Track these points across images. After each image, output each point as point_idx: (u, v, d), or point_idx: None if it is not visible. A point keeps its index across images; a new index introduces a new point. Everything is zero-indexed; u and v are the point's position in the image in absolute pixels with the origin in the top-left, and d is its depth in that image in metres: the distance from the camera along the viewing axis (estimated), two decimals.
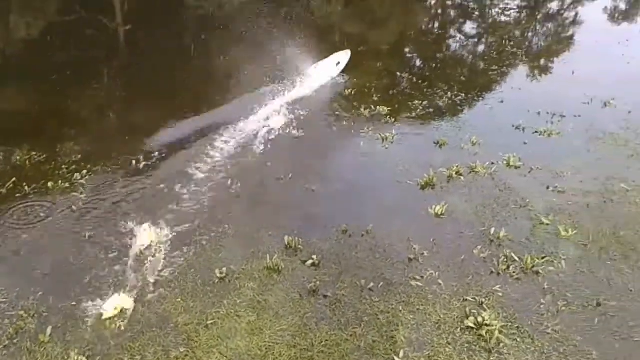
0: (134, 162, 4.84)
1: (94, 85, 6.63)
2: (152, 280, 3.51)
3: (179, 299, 3.38)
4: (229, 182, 4.60)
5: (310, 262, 3.66)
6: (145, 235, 3.84)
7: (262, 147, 5.17)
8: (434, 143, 5.27)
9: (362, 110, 5.92)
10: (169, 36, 8.60)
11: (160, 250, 3.77)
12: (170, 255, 3.75)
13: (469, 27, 9.59)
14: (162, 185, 4.55)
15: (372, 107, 6.01)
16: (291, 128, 5.49)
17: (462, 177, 4.68)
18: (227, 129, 5.43)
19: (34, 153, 4.95)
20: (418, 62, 7.66)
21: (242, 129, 5.45)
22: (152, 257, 3.69)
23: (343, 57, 6.99)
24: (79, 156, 4.94)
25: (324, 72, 6.77)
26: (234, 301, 3.37)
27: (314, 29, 8.93)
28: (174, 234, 3.94)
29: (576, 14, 10.83)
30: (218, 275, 3.55)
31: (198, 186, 4.54)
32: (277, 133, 5.42)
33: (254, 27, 8.32)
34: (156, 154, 4.98)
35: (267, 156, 5.05)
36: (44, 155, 4.94)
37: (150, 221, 4.02)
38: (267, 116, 5.69)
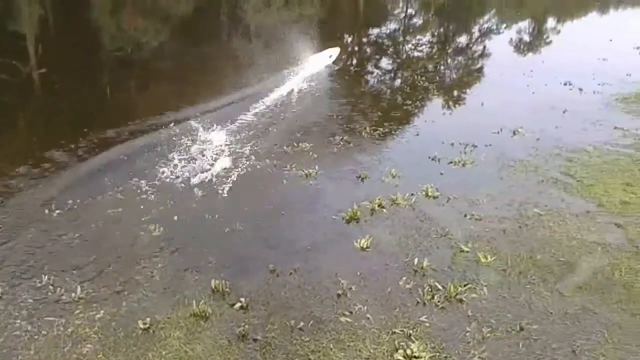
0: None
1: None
2: None
3: (100, 355, 3.20)
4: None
5: (238, 305, 3.59)
6: None
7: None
8: (356, 177, 5.37)
9: (285, 147, 5.97)
10: (86, 77, 8.39)
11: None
12: (88, 309, 3.56)
13: (385, 62, 9.97)
14: None
15: (295, 144, 6.07)
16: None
17: (384, 210, 4.77)
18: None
19: None
20: (336, 99, 7.80)
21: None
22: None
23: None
24: None
25: None
26: (159, 353, 3.23)
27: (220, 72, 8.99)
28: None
29: (484, 47, 11.53)
30: (141, 326, 3.40)
31: None
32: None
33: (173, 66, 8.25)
34: None
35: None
36: None
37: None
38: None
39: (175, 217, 4.57)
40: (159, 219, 4.52)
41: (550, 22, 16.50)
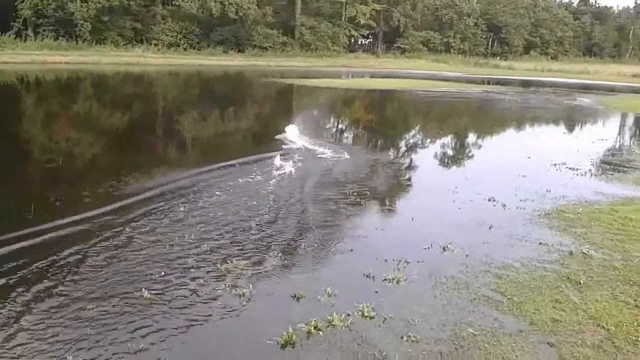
0: None
1: None
2: None
3: None
4: None
5: None
6: None
7: None
8: (291, 297, 5.25)
9: (219, 265, 5.82)
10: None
11: None
12: None
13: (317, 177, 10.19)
14: None
15: (228, 261, 5.94)
16: None
17: (320, 332, 4.64)
18: None
19: None
20: (267, 214, 7.80)
21: None
22: None
23: None
24: None
25: None
26: None
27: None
28: None
29: (410, 161, 12.07)
30: None
31: None
32: None
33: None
34: None
35: None
36: None
37: None
38: None
39: None
40: None
41: (471, 138, 17.62)
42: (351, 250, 6.59)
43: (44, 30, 45.52)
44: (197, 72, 41.91)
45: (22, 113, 18.08)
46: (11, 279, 5.34)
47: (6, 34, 43.53)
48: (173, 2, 52.86)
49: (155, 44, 51.46)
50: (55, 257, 5.84)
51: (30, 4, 43.76)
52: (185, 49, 52.49)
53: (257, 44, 58.64)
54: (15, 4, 44.02)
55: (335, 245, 6.74)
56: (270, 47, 59.55)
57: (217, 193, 8.56)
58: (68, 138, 13.97)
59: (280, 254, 6.27)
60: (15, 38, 43.94)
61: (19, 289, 5.13)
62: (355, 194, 8.94)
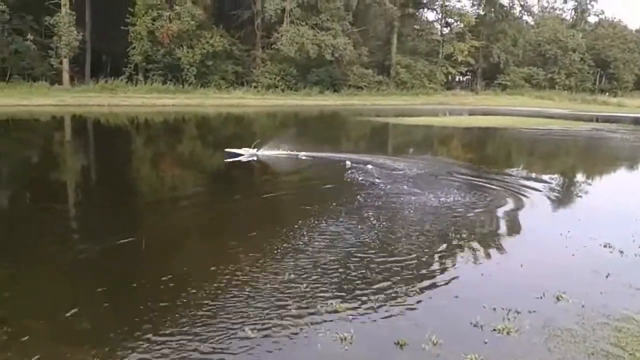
0: None
1: None
2: None
3: None
4: None
5: None
6: None
7: None
8: (395, 343, 5.14)
9: (319, 307, 5.83)
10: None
11: None
12: None
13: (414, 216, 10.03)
14: None
15: (329, 302, 5.94)
16: None
17: None
18: None
19: None
20: (365, 255, 7.75)
21: None
22: None
23: None
24: None
25: None
26: None
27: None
28: None
29: (516, 202, 11.59)
30: None
31: None
32: None
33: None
34: None
35: None
36: None
37: None
38: None
39: None
40: None
41: (582, 177, 16.70)
42: (456, 297, 6.38)
43: (153, 75, 49.01)
44: (294, 112, 43.19)
45: (133, 152, 19.44)
46: None
47: (119, 79, 47.28)
48: (272, 46, 55.19)
49: (254, 86, 53.78)
50: None
51: (141, 50, 47.38)
52: (282, 90, 54.38)
53: (352, 84, 59.64)
54: (127, 50, 47.87)
55: (439, 290, 6.55)
56: (365, 86, 60.35)
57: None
58: (173, 175, 14.84)
59: (381, 297, 6.18)
60: (127, 82, 47.60)
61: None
62: (459, 237, 8.70)
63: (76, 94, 41.79)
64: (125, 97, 42.71)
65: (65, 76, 45.28)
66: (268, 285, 6.41)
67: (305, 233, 8.58)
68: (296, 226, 8.89)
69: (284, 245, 7.96)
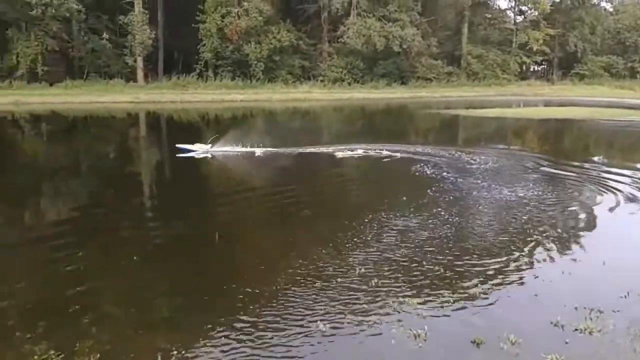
0: None
1: None
2: None
3: None
4: None
5: None
6: None
7: None
8: (471, 342, 5.04)
9: (391, 303, 5.81)
10: None
11: None
12: None
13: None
14: None
15: (401, 298, 5.91)
16: None
17: None
18: None
19: None
20: (438, 250, 7.64)
21: None
22: None
23: None
24: None
25: None
26: None
27: None
28: None
29: (597, 197, 11.08)
30: None
31: None
32: None
33: None
34: None
35: None
36: None
37: None
38: None
39: None
40: None
41: None
42: (535, 295, 6.18)
43: (222, 71, 50.24)
44: (361, 105, 43.08)
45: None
46: None
47: (190, 75, 48.78)
48: (339, 40, 55.26)
49: (321, 80, 54.08)
50: None
51: (211, 47, 48.67)
52: (349, 84, 54.37)
53: (420, 75, 58.85)
54: (198, 47, 49.29)
55: (517, 288, 6.38)
56: (434, 77, 59.39)
57: None
58: (241, 169, 15.17)
59: (455, 295, 6.09)
60: (198, 79, 49.03)
61: None
62: (538, 233, 8.42)
63: (150, 90, 43.46)
64: (195, 93, 43.99)
65: (140, 74, 47.16)
66: (339, 280, 6.44)
67: (375, 227, 8.55)
68: (366, 220, 8.88)
69: (354, 239, 7.97)
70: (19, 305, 5.86)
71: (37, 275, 6.88)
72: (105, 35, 45.12)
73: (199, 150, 16.31)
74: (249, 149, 16.39)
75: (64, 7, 39.84)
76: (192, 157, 15.73)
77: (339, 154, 16.26)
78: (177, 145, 16.73)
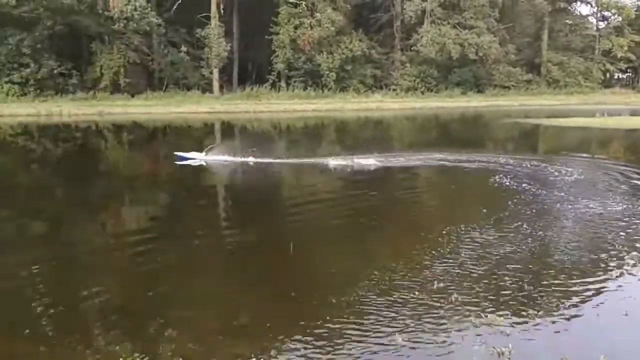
0: None
1: None
2: None
3: None
4: None
5: None
6: None
7: None
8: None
9: (472, 318, 5.65)
10: None
11: None
12: None
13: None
14: None
15: (482, 314, 5.74)
16: None
17: None
18: None
19: None
20: (521, 266, 7.36)
21: None
22: None
23: None
24: None
25: None
26: None
27: None
28: None
29: None
30: None
31: None
32: None
33: None
34: None
35: None
36: None
37: None
38: None
39: None
40: None
41: None
42: (625, 314, 5.84)
43: (294, 81, 51.05)
44: (434, 115, 42.51)
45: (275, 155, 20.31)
46: None
47: (263, 86, 49.86)
48: (412, 48, 54.90)
49: (393, 89, 53.87)
50: None
51: (284, 58, 49.58)
52: (422, 93, 53.84)
53: (498, 83, 57.47)
54: (271, 58, 50.34)
55: (605, 306, 6.05)
56: (513, 85, 57.85)
57: None
58: (313, 177, 15.27)
59: (541, 312, 5.84)
60: (270, 89, 50.05)
61: None
62: (628, 249, 7.97)
63: (225, 101, 44.74)
64: (268, 104, 44.88)
65: (215, 85, 48.66)
66: (416, 293, 6.33)
67: (453, 240, 8.37)
68: (443, 232, 8.70)
69: (431, 252, 7.83)
70: (102, 307, 6.13)
71: (118, 279, 7.19)
72: (183, 48, 46.91)
73: (196, 158, 16.92)
74: (241, 159, 16.80)
75: (144, 21, 41.76)
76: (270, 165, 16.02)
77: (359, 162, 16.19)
78: (175, 153, 17.35)
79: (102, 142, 26.77)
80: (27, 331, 5.45)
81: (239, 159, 16.80)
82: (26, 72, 38.94)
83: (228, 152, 17.21)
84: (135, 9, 40.67)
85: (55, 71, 40.37)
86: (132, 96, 42.89)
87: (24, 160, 19.68)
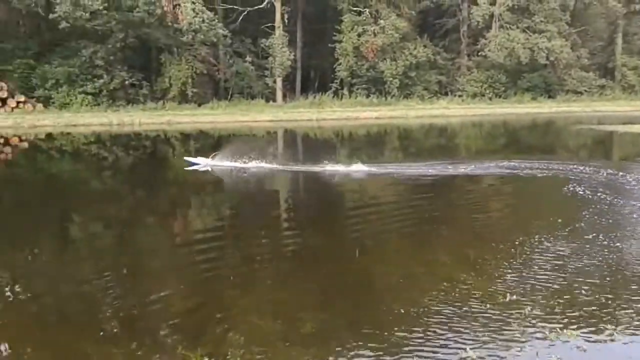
0: None
1: None
2: None
3: None
4: None
5: None
6: None
7: None
8: None
9: (547, 333, 5.43)
10: None
11: None
12: None
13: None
14: None
15: (558, 328, 5.51)
16: None
17: None
18: None
19: None
20: (598, 278, 7.03)
21: None
22: None
23: None
24: None
25: None
26: None
27: None
28: None
29: None
30: None
31: None
32: None
33: None
34: None
35: None
36: None
37: None
38: None
39: None
40: None
41: None
42: None
43: (357, 89, 50.99)
44: (503, 121, 41.45)
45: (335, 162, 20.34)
46: None
47: (325, 94, 50.10)
48: (479, 53, 53.83)
49: (459, 95, 52.92)
50: None
51: (346, 65, 49.66)
52: (490, 99, 52.59)
53: (570, 89, 55.43)
54: (334, 66, 50.57)
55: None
56: (585, 91, 55.62)
57: None
58: (374, 185, 15.15)
59: (620, 325, 5.56)
60: (333, 97, 50.20)
61: None
62: None
63: (288, 109, 45.20)
64: (331, 112, 44.99)
65: (279, 94, 49.28)
66: (488, 306, 6.16)
67: (526, 251, 8.11)
68: (516, 242, 8.44)
69: (503, 263, 7.62)
70: (170, 311, 6.30)
71: (185, 284, 7.35)
72: (248, 58, 47.80)
73: (202, 163, 17.58)
74: (244, 165, 17.02)
75: (211, 33, 42.81)
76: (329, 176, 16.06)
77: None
78: (185, 159, 18.38)
79: (169, 150, 27.59)
80: (101, 333, 5.66)
81: (241, 165, 17.16)
82: (99, 83, 40.61)
83: (231, 157, 17.59)
84: (203, 21, 41.73)
85: (126, 82, 41.94)
86: (199, 105, 43.99)
87: (96, 168, 20.53)
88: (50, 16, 38.03)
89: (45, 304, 6.73)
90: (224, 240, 9.83)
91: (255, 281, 7.34)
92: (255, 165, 17.09)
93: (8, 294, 6.81)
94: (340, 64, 50.20)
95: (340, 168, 16.57)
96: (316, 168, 16.83)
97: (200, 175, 16.94)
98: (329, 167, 16.59)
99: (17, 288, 6.96)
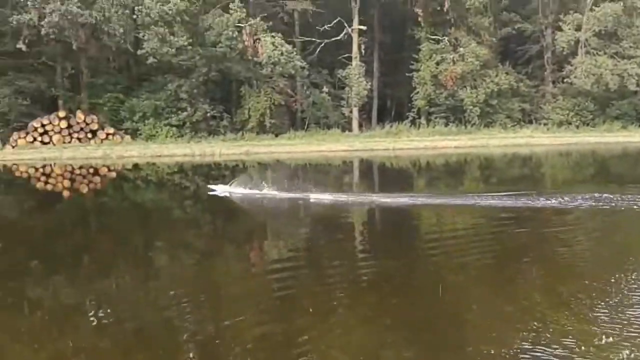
0: None
1: None
2: None
3: None
4: None
5: None
6: None
7: None
8: None
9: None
10: None
11: None
12: None
13: None
14: None
15: None
16: None
17: None
18: None
19: None
20: None
21: None
22: None
23: None
24: None
25: None
26: None
27: None
28: None
29: None
30: None
31: None
32: None
33: None
34: None
35: None
36: None
37: None
38: None
39: None
40: None
41: None
42: None
43: (435, 118, 50.42)
44: (591, 150, 39.64)
45: (413, 191, 20.03)
46: None
47: (402, 123, 49.85)
48: (564, 80, 52.03)
49: (544, 124, 51.20)
50: None
51: (424, 94, 49.30)
52: (577, 127, 50.51)
53: None
54: (411, 95, 50.35)
55: None
56: None
57: None
58: (451, 215, 14.73)
59: None
60: (410, 126, 49.84)
61: None
62: None
63: (364, 139, 45.31)
64: (408, 141, 44.65)
65: (355, 123, 49.53)
66: (583, 348, 5.76)
67: (623, 289, 7.58)
68: (611, 280, 7.90)
69: (598, 302, 7.15)
70: (242, 338, 6.32)
71: (258, 309, 7.37)
72: (325, 88, 48.47)
73: (219, 190, 18.52)
74: (261, 192, 17.71)
75: (290, 65, 43.81)
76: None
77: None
78: (208, 186, 19.63)
79: (247, 179, 28.21)
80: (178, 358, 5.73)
81: (258, 192, 17.83)
82: (183, 116, 42.39)
83: (247, 185, 18.44)
84: (282, 54, 42.83)
85: (208, 114, 43.54)
86: (276, 136, 44.91)
87: (179, 197, 21.25)
88: (139, 52, 40.37)
89: (126, 330, 6.92)
90: (297, 267, 9.88)
91: (329, 308, 7.26)
92: (269, 192, 17.78)
93: (92, 318, 7.07)
94: (417, 92, 49.93)
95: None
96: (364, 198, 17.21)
97: (278, 203, 17.17)
98: (375, 198, 17.14)
99: (100, 313, 7.22)
